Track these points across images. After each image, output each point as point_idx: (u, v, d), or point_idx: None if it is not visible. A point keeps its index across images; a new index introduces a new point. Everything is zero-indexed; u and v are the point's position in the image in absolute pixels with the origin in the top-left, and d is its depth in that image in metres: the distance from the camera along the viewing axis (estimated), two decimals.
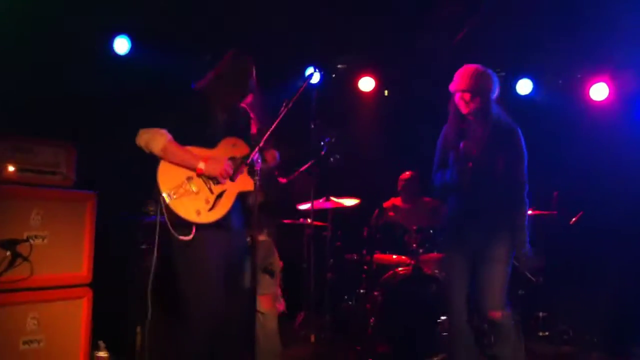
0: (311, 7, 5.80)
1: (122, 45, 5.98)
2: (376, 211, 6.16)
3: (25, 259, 3.69)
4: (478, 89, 4.04)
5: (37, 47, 5.27)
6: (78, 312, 4.01)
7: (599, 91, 6.87)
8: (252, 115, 3.98)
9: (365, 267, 6.00)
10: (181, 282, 3.60)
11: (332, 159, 4.47)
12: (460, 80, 4.08)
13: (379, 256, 5.94)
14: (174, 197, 3.48)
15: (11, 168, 3.84)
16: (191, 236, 3.51)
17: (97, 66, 5.76)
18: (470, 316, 4.18)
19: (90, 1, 5.47)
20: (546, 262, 5.92)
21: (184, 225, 3.51)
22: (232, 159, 3.68)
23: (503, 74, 6.91)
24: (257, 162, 3.54)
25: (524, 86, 7.03)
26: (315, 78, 6.63)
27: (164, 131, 3.55)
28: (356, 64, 7.15)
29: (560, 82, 7.18)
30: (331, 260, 6.13)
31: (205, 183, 3.59)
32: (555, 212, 6.10)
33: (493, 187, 4.07)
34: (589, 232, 6.38)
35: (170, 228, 3.48)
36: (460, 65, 4.23)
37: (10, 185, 3.80)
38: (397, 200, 6.74)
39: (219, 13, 5.85)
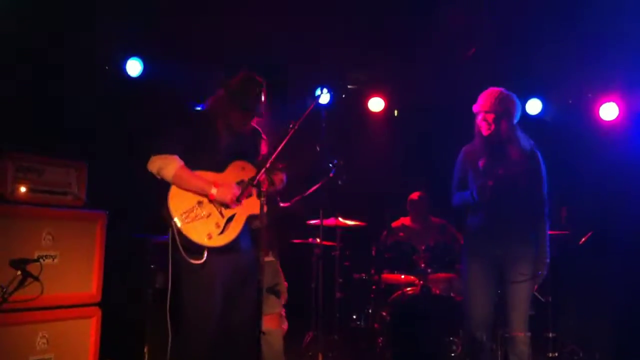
0: (321, 29, 5.85)
1: (134, 67, 6.06)
2: (385, 232, 6.20)
3: (36, 278, 3.73)
4: (501, 111, 4.15)
5: (50, 67, 5.35)
6: (87, 331, 4.04)
7: (608, 111, 6.85)
8: (264, 136, 4.01)
9: (374, 286, 6.01)
10: (187, 303, 3.62)
11: (340, 182, 4.49)
12: (484, 101, 4.20)
13: (387, 276, 5.95)
14: (186, 221, 3.52)
15: (23, 189, 3.89)
16: (203, 260, 3.54)
17: (109, 87, 5.85)
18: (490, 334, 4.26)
19: (105, 23, 5.55)
20: (554, 281, 5.90)
21: (196, 249, 3.53)
22: (240, 182, 3.70)
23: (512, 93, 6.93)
24: (264, 183, 3.55)
25: (534, 106, 7.03)
26: (325, 98, 6.69)
27: (175, 157, 3.58)
28: (366, 85, 7.19)
29: (570, 101, 7.17)
30: (340, 279, 6.14)
31: (216, 207, 3.63)
32: (567, 232, 6.08)
33: (515, 206, 4.16)
34: (599, 251, 6.35)
35: (182, 252, 3.51)
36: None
37: (22, 205, 3.85)
38: (406, 220, 6.76)
39: (231, 34, 5.91)
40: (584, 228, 6.30)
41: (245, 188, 3.59)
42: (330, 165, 4.42)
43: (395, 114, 7.56)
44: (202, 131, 3.71)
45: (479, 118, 4.22)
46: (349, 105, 7.26)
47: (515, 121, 4.22)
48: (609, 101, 6.84)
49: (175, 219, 3.51)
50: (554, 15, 5.57)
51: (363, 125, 7.44)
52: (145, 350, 4.44)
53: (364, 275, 6.14)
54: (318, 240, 5.76)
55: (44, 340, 3.83)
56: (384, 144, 7.46)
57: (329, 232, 5.98)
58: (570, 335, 6.11)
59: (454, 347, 5.24)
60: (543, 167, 4.25)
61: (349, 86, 7.19)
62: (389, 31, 5.96)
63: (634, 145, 6.87)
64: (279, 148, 3.56)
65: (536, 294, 5.87)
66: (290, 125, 3.62)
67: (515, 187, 4.15)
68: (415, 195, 6.70)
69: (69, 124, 5.42)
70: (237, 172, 3.73)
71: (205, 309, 3.60)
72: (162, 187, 3.62)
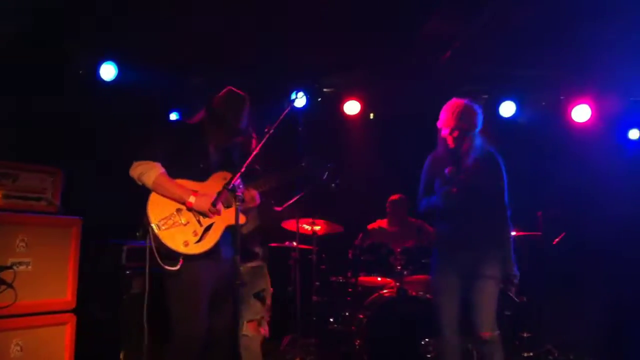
0: (296, 31, 5.86)
1: (108, 71, 6.02)
2: (360, 234, 6.23)
3: (9, 285, 3.70)
4: (465, 126, 4.23)
5: (23, 71, 5.30)
6: (62, 338, 4.02)
7: (581, 113, 6.94)
8: (254, 134, 3.99)
9: (350, 289, 6.04)
10: (170, 307, 3.65)
11: (333, 185, 4.44)
12: (447, 117, 4.27)
13: (364, 278, 5.98)
14: (163, 228, 3.54)
15: None
16: (178, 267, 3.55)
17: (83, 92, 5.81)
18: (459, 338, 4.31)
19: (78, 27, 5.51)
20: (529, 282, 5.97)
21: (172, 255, 3.55)
22: (219, 193, 3.66)
23: (486, 96, 7.00)
24: (239, 187, 3.55)
25: (508, 108, 7.09)
26: (301, 102, 6.70)
27: (157, 164, 3.61)
28: (341, 88, 7.20)
29: (543, 103, 7.25)
30: (317, 283, 6.15)
31: (195, 215, 3.65)
32: (539, 233, 6.16)
33: (478, 211, 4.25)
34: (573, 251, 6.44)
35: (158, 258, 3.53)
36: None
37: None
38: (383, 222, 6.79)
39: (206, 38, 5.90)
40: (558, 229, 6.38)
41: (221, 193, 3.56)
42: (322, 169, 4.32)
43: (371, 117, 7.58)
44: (187, 141, 3.73)
45: (444, 132, 4.31)
46: (325, 108, 7.27)
47: (477, 130, 4.31)
48: (581, 103, 6.93)
49: (153, 225, 3.52)
50: (527, 19, 5.63)
51: (339, 128, 7.45)
52: (121, 356, 4.41)
53: (341, 278, 6.16)
54: (294, 243, 5.78)
55: (18, 348, 3.80)
56: (359, 148, 7.49)
57: (306, 236, 6.00)
58: (545, 335, 6.17)
59: (430, 349, 5.28)
60: (504, 173, 4.35)
61: (324, 89, 7.20)
62: (364, 35, 5.98)
63: (605, 146, 6.98)
64: (254, 152, 3.57)
65: (511, 294, 5.95)
66: (266, 130, 3.62)
67: (478, 194, 4.25)
68: (395, 197, 6.73)
69: (43, 128, 5.37)
70: (219, 182, 3.70)
71: (187, 315, 3.61)
72: (139, 193, 3.61)
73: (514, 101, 7.11)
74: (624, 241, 6.49)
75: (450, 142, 4.27)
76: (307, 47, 6.16)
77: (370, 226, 6.74)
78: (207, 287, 3.67)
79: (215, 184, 3.71)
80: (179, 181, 3.64)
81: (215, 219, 3.69)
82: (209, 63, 6.35)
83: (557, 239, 6.29)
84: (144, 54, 6.10)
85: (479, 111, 4.32)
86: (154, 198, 3.59)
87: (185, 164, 3.68)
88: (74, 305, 4.07)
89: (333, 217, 6.13)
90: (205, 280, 3.66)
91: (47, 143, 5.25)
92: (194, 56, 6.18)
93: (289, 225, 5.77)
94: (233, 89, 3.83)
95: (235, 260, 3.47)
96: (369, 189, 7.20)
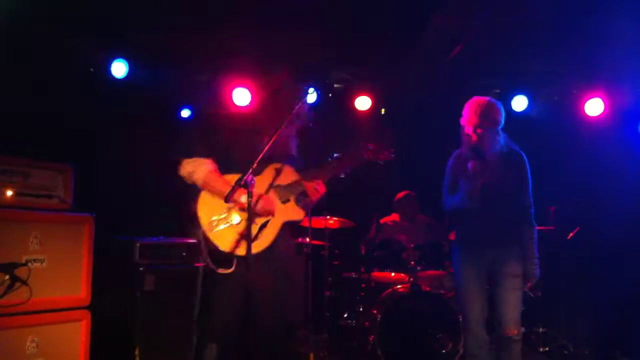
0: (306, 28, 5.84)
1: (119, 69, 6.02)
2: (373, 225, 6.19)
3: (24, 282, 3.69)
4: (488, 123, 4.27)
5: (34, 68, 5.31)
6: (77, 335, 4.00)
7: (594, 106, 6.89)
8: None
9: (364, 284, 6.03)
10: (218, 307, 3.51)
11: (342, 176, 4.40)
12: (470, 115, 4.31)
13: (377, 274, 5.97)
14: (215, 229, 3.38)
15: (9, 192, 3.86)
16: (232, 269, 3.37)
17: (94, 89, 5.82)
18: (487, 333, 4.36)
19: (90, 25, 5.52)
20: (543, 277, 5.94)
21: (224, 258, 3.37)
22: (275, 187, 3.56)
23: (498, 90, 6.96)
24: (252, 183, 3.25)
25: (520, 102, 7.04)
26: (312, 98, 6.67)
27: (208, 161, 3.44)
28: (352, 83, 7.18)
29: (555, 98, 7.21)
30: (329, 278, 6.14)
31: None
32: (553, 228, 6.12)
33: (503, 209, 4.28)
34: (587, 246, 6.40)
35: (209, 262, 3.38)
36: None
37: (8, 209, 3.80)
38: (396, 216, 6.77)
39: (217, 35, 5.89)
40: (572, 224, 6.35)
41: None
42: (330, 159, 4.23)
43: (382, 113, 7.55)
44: (238, 133, 3.55)
45: (467, 130, 4.33)
46: (336, 104, 7.25)
47: (500, 127, 4.34)
48: (594, 97, 6.88)
49: (203, 226, 3.36)
50: (539, 13, 5.59)
51: (350, 124, 7.43)
52: (136, 352, 4.41)
53: (353, 273, 6.15)
54: (307, 239, 5.77)
55: (34, 345, 3.80)
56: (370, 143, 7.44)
57: (318, 231, 5.99)
58: (560, 330, 6.15)
59: (444, 344, 5.27)
60: (529, 172, 4.38)
61: (335, 85, 7.18)
62: (375, 29, 5.96)
63: (619, 140, 6.92)
64: (265, 148, 3.31)
65: (526, 290, 5.93)
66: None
67: (503, 192, 4.28)
68: (400, 195, 6.72)
69: (54, 126, 5.38)
70: (273, 175, 3.55)
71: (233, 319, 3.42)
72: (152, 191, 3.57)
73: (526, 95, 7.07)
74: (636, 234, 6.44)
75: (475, 138, 4.30)
76: (316, 43, 6.14)
77: (383, 220, 6.72)
78: (259, 292, 3.39)
79: (269, 177, 3.54)
80: (229, 177, 3.42)
81: (270, 216, 3.49)
82: (217, 59, 6.33)
83: (571, 234, 6.25)
84: (154, 51, 6.10)
85: (501, 108, 4.35)
86: (204, 197, 3.42)
87: (236, 157, 3.44)
88: (88, 302, 4.06)
89: (345, 213, 6.11)
90: (258, 285, 3.36)
91: (58, 140, 5.26)
92: (204, 54, 6.17)
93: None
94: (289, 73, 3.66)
95: (249, 257, 3.19)
96: (381, 185, 7.17)
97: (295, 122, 3.65)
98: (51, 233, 3.95)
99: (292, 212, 3.58)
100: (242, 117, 3.67)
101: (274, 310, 3.51)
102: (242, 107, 6.65)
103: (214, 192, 3.42)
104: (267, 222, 3.49)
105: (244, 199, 3.36)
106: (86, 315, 4.04)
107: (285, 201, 3.57)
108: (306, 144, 4.01)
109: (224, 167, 3.48)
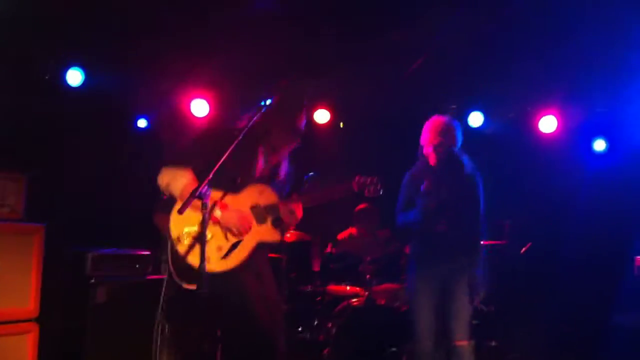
0: (265, 40, 5.84)
1: (75, 77, 5.94)
2: (330, 244, 6.22)
3: None
4: (447, 143, 4.36)
5: None
6: (24, 348, 3.95)
7: (548, 124, 7.01)
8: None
9: (319, 298, 6.02)
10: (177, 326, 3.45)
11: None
12: (430, 134, 4.38)
13: (333, 287, 5.97)
14: (185, 242, 3.28)
15: None
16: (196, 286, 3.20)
17: (50, 97, 5.73)
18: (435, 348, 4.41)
19: (44, 32, 5.43)
20: (497, 291, 6.01)
21: (191, 273, 3.22)
22: (253, 208, 3.49)
23: (454, 106, 7.04)
24: (207, 195, 3.10)
25: (476, 119, 7.13)
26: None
27: (187, 172, 3.31)
28: (311, 97, 7.17)
29: (510, 115, 7.31)
30: (285, 291, 6.12)
31: (222, 230, 3.38)
32: (506, 242, 6.20)
33: (455, 225, 4.36)
34: (539, 261, 6.51)
35: (174, 275, 3.27)
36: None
37: None
38: (353, 230, 6.77)
39: (173, 44, 5.85)
40: (526, 239, 6.44)
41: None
42: (305, 178, 4.15)
43: (341, 126, 7.58)
44: (225, 148, 3.31)
45: (426, 150, 4.41)
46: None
47: (458, 146, 4.41)
48: (548, 114, 7.00)
49: (173, 238, 3.26)
50: (495, 30, 5.69)
51: (309, 137, 7.41)
52: None
53: (309, 286, 6.14)
54: None
55: None
56: (329, 156, 7.47)
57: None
58: (512, 343, 6.21)
59: (399, 357, 5.28)
60: (481, 190, 4.46)
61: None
62: (333, 43, 5.99)
63: (572, 157, 7.07)
64: (223, 158, 3.15)
65: (479, 304, 5.99)
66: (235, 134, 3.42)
67: (457, 211, 4.36)
68: (362, 206, 6.72)
69: (5, 134, 5.28)
70: (254, 195, 3.47)
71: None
72: (105, 200, 3.52)
73: (482, 112, 7.16)
74: (588, 250, 6.57)
75: (433, 158, 4.37)
76: (275, 55, 6.14)
77: (340, 235, 6.73)
78: (228, 308, 3.36)
79: (249, 196, 3.46)
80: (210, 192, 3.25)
81: (244, 235, 3.41)
82: (177, 69, 6.29)
83: (524, 249, 6.34)
84: (111, 59, 6.03)
85: (459, 128, 4.45)
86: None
87: (220, 173, 3.21)
88: (36, 314, 4.00)
89: (302, 226, 6.10)
90: (227, 302, 3.33)
91: (11, 149, 5.15)
92: (162, 62, 6.12)
93: None
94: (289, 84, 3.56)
95: (202, 268, 3.04)
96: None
97: (290, 139, 3.63)
98: (0, 243, 3.87)
99: (267, 233, 3.52)
100: (238, 131, 3.44)
101: (240, 329, 3.45)
102: (200, 118, 6.64)
103: (191, 206, 3.26)
104: (240, 241, 3.43)
105: (217, 213, 3.31)
106: (34, 328, 3.98)
107: (261, 222, 3.52)
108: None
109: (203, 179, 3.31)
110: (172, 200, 3.34)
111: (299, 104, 3.58)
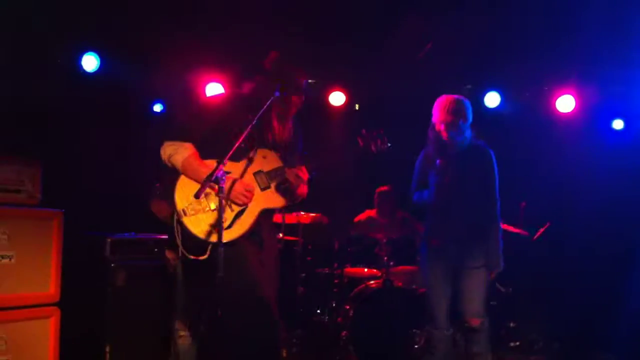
0: (280, 24, 5.82)
1: (90, 62, 5.95)
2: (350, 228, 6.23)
3: None
4: (457, 120, 4.31)
5: (1, 62, 5.23)
6: (46, 332, 3.96)
7: (565, 103, 6.94)
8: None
9: (337, 280, 6.03)
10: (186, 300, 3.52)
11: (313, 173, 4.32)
12: (440, 112, 4.35)
13: (350, 270, 5.97)
14: (190, 213, 3.31)
15: None
16: (205, 256, 3.27)
17: (65, 82, 5.74)
18: (451, 328, 4.43)
19: (59, 18, 5.44)
20: (514, 272, 5.99)
21: (199, 244, 3.29)
22: (258, 173, 3.49)
23: (470, 86, 6.99)
24: (223, 179, 3.12)
25: (492, 99, 7.08)
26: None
27: (189, 145, 3.37)
28: (326, 79, 7.16)
29: (527, 94, 7.25)
30: (302, 274, 6.14)
31: (225, 201, 3.31)
32: (527, 233, 6.14)
33: (467, 204, 4.32)
34: (557, 242, 6.47)
35: (181, 247, 3.30)
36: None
37: None
38: (372, 212, 6.76)
39: (188, 30, 5.84)
40: (542, 220, 6.40)
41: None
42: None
43: (357, 108, 7.55)
44: (228, 116, 3.43)
45: (437, 127, 4.38)
46: (310, 99, 7.22)
47: (468, 124, 4.39)
48: (565, 94, 6.93)
49: (179, 210, 3.29)
50: (511, 9, 5.64)
51: (324, 119, 7.41)
52: (107, 350, 4.38)
53: (327, 269, 6.15)
54: (280, 235, 5.76)
55: (2, 342, 3.75)
56: (346, 138, 7.45)
57: (291, 227, 5.98)
58: (531, 324, 6.21)
59: (417, 339, 5.29)
60: (495, 167, 4.43)
61: (309, 80, 7.15)
62: (348, 26, 5.96)
63: (590, 137, 7.01)
64: (237, 143, 3.21)
65: (497, 284, 5.98)
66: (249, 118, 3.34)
67: (469, 188, 4.34)
68: (384, 188, 6.71)
69: (22, 120, 5.30)
70: (258, 160, 3.46)
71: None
72: (122, 185, 3.53)
73: (499, 92, 7.11)
74: (606, 231, 6.53)
75: (445, 136, 4.35)
76: (289, 38, 6.12)
77: (357, 218, 6.73)
78: (240, 278, 3.32)
79: (253, 162, 3.44)
80: (209, 162, 3.33)
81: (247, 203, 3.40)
82: (190, 54, 6.29)
83: (542, 229, 6.31)
84: (126, 44, 6.04)
85: (469, 105, 4.41)
86: (182, 182, 3.34)
87: (222, 142, 3.27)
88: (57, 299, 4.02)
89: (319, 209, 6.11)
90: (237, 271, 3.29)
91: (27, 134, 5.18)
92: (176, 49, 6.11)
93: (275, 216, 5.73)
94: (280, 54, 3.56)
95: (219, 252, 3.08)
96: (355, 180, 7.17)
97: (296, 98, 3.63)
98: (20, 229, 3.90)
99: (271, 199, 3.50)
100: (230, 103, 3.55)
101: (246, 300, 3.41)
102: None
103: (193, 177, 3.34)
104: (244, 209, 3.42)
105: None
106: (55, 312, 4.00)
107: (264, 188, 3.50)
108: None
109: (206, 154, 3.40)
110: (174, 173, 3.37)
111: (295, 66, 3.59)
